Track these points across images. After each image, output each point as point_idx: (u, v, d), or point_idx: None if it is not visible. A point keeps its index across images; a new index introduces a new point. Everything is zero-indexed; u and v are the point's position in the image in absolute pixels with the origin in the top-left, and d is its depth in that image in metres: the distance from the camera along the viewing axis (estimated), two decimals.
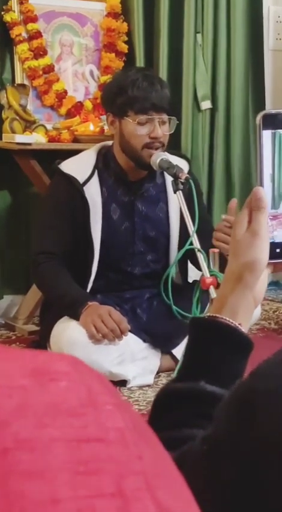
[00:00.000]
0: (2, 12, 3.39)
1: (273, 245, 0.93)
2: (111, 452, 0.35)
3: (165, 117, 2.69)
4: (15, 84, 3.35)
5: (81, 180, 2.71)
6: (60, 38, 3.54)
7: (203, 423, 0.70)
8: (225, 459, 0.63)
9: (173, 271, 2.82)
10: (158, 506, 0.34)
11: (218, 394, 0.81)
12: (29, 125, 3.29)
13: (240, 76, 3.87)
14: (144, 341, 2.72)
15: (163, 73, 3.64)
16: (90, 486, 0.33)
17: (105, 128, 3.15)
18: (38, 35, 3.43)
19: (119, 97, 2.66)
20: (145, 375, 2.64)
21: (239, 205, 3.85)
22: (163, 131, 2.68)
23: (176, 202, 2.75)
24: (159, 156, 2.64)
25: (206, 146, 3.86)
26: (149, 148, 2.67)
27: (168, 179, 2.77)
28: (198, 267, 2.55)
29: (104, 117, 3.18)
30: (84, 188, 2.71)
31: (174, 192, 2.58)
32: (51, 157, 2.97)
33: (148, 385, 2.62)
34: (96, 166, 2.77)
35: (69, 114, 3.50)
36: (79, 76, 3.59)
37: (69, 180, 2.71)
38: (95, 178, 2.75)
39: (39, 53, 3.43)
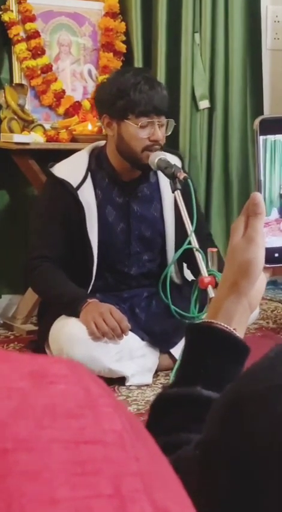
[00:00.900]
0: (0, 12, 3.38)
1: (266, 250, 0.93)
2: (108, 453, 0.35)
3: (164, 119, 2.70)
4: (13, 84, 3.35)
5: (74, 184, 2.69)
6: (58, 38, 3.54)
7: (199, 428, 0.70)
8: (216, 463, 0.63)
9: (171, 270, 2.82)
10: (154, 507, 0.34)
11: (214, 398, 0.81)
12: (27, 124, 3.29)
13: (238, 75, 3.87)
14: (143, 339, 2.72)
15: (161, 73, 3.64)
16: (88, 487, 0.33)
17: None
18: (36, 34, 3.43)
19: (120, 100, 2.64)
20: (144, 373, 2.64)
21: (238, 206, 3.86)
22: (162, 133, 2.68)
23: (170, 200, 2.75)
24: (157, 156, 2.64)
25: (204, 145, 3.86)
26: (148, 150, 2.67)
27: (162, 177, 2.76)
28: (195, 268, 2.54)
29: None
30: (78, 192, 2.68)
31: (173, 192, 2.58)
32: (49, 157, 2.97)
33: (147, 385, 2.63)
34: (89, 169, 2.75)
35: (67, 114, 3.50)
36: (77, 76, 3.58)
37: (62, 184, 2.68)
38: (89, 181, 2.73)
39: (37, 52, 3.43)
